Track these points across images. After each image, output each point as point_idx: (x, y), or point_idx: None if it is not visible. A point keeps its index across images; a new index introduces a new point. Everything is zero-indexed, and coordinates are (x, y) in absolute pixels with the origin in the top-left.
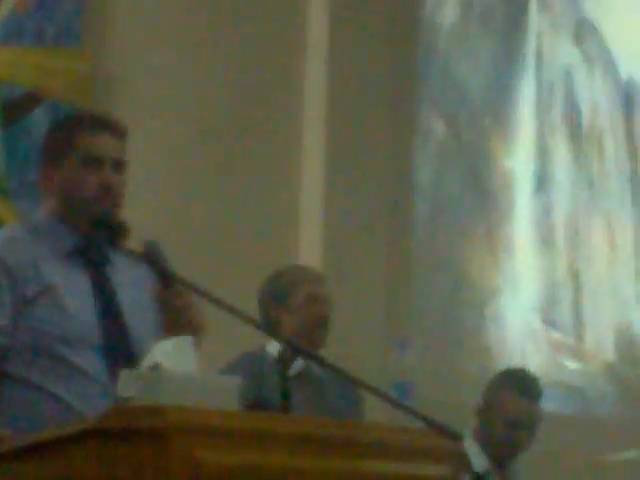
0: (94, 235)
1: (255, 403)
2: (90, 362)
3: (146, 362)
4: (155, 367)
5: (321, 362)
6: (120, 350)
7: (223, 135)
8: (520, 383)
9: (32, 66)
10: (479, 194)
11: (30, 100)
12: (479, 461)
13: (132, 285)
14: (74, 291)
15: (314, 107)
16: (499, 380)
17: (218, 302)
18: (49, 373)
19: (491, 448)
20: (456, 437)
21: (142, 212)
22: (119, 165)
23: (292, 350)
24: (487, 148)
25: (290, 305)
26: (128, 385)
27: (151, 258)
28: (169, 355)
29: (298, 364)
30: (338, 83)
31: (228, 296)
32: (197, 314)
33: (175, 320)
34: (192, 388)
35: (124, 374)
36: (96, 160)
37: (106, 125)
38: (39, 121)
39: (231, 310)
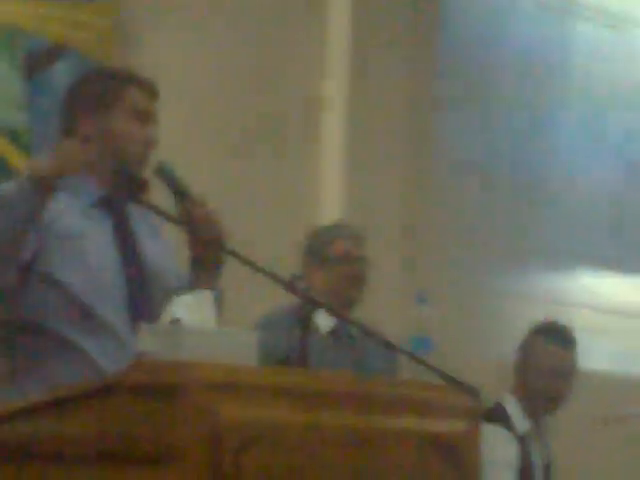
0: (117, 185)
1: (282, 359)
2: (115, 315)
3: (166, 316)
4: (175, 322)
5: (342, 318)
6: (143, 303)
7: (242, 90)
8: (553, 333)
9: (56, 19)
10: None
11: (53, 53)
12: (520, 422)
13: (150, 236)
14: (98, 242)
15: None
16: (532, 333)
17: (242, 258)
18: (78, 326)
19: (531, 403)
20: (474, 393)
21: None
22: (155, 126)
23: (312, 306)
24: None
25: (324, 262)
26: (148, 340)
27: (164, 177)
28: (189, 309)
29: (330, 322)
30: (360, 54)
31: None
32: (217, 223)
33: (197, 233)
34: (212, 343)
35: (144, 329)
36: (143, 114)
37: (150, 85)
38: (62, 74)
39: (253, 266)
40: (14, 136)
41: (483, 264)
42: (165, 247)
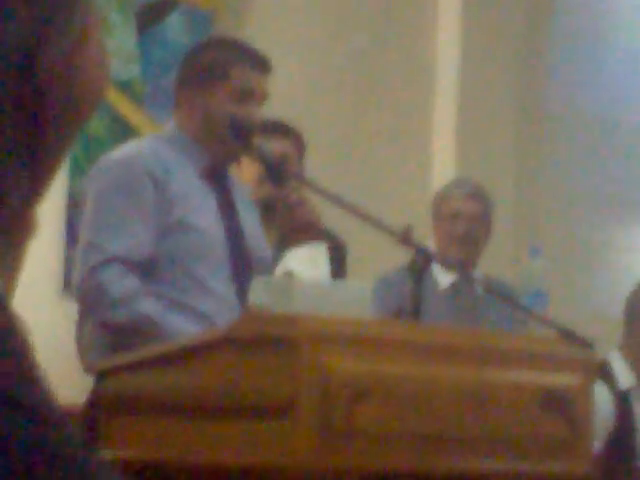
0: (229, 141)
1: (397, 312)
2: (221, 281)
3: (279, 269)
4: (288, 274)
5: (449, 269)
6: (245, 271)
7: (358, 40)
8: None
9: None
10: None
11: (166, 5)
12: (624, 377)
13: (246, 210)
14: (205, 209)
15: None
16: (637, 289)
17: (360, 213)
18: (189, 292)
19: (638, 357)
20: (588, 345)
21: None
22: (264, 100)
23: (425, 258)
24: None
25: (437, 221)
26: (261, 292)
27: (262, 158)
28: (303, 263)
29: (449, 277)
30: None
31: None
32: (313, 210)
33: (294, 217)
34: (324, 296)
35: (257, 281)
36: (248, 93)
37: (261, 61)
38: (174, 26)
39: (368, 219)
40: (126, 88)
41: (593, 218)
42: (257, 221)
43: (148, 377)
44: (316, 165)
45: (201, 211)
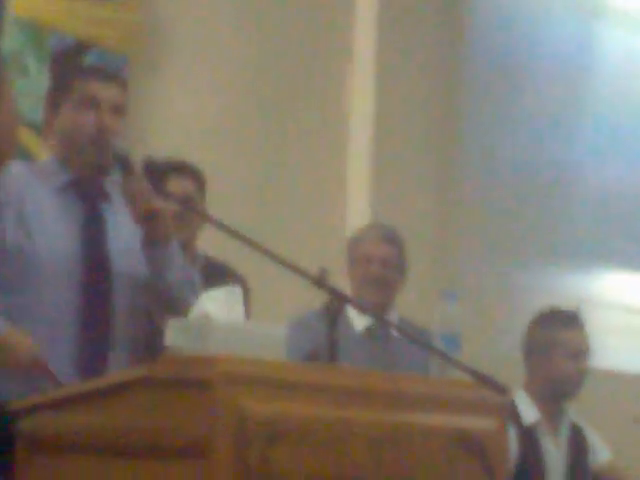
0: (100, 170)
1: (312, 355)
2: (62, 298)
3: (195, 311)
4: (204, 317)
5: (364, 312)
6: (99, 283)
7: (271, 83)
8: (567, 317)
9: (82, 16)
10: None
11: (79, 49)
12: (529, 412)
13: (124, 224)
14: (61, 221)
15: (363, 69)
16: (544, 320)
17: (269, 254)
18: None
19: (540, 393)
20: (503, 390)
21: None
22: (117, 109)
23: (340, 301)
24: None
25: (351, 264)
26: (177, 334)
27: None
28: (218, 304)
29: (364, 321)
30: (387, 50)
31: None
32: (153, 196)
33: (135, 206)
34: (240, 337)
35: (173, 323)
36: (94, 101)
37: (101, 71)
38: None
39: (281, 261)
40: (40, 130)
41: (510, 261)
42: (137, 236)
43: (66, 416)
44: (229, 207)
45: (55, 224)
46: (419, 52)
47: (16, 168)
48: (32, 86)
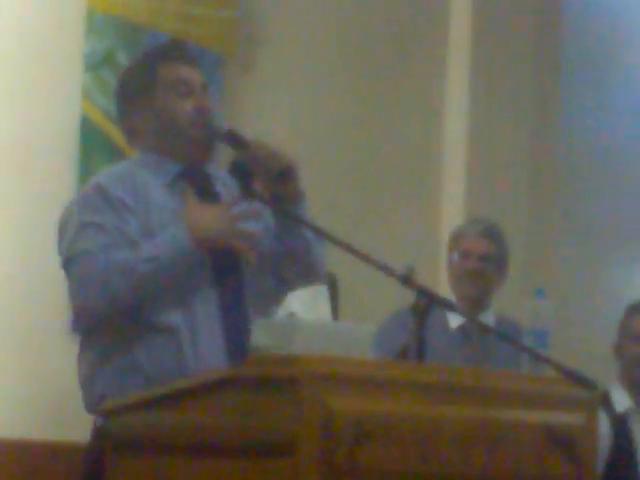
0: (201, 157)
1: (403, 352)
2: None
3: (282, 311)
4: (290, 316)
5: (454, 310)
6: (229, 270)
7: (367, 71)
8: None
9: (176, 13)
10: None
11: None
12: (622, 401)
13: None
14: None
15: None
16: (626, 313)
17: (363, 256)
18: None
19: (633, 382)
20: (591, 386)
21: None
22: (205, 88)
23: (428, 300)
24: None
25: (452, 258)
26: (263, 334)
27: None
28: (304, 304)
29: (459, 318)
30: (484, 42)
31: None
32: (284, 155)
33: (268, 170)
34: (326, 336)
35: (260, 324)
36: (182, 85)
37: (183, 54)
38: None
39: (368, 259)
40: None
41: (602, 258)
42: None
43: (154, 417)
44: (323, 207)
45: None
46: (516, 43)
47: (122, 168)
48: None
